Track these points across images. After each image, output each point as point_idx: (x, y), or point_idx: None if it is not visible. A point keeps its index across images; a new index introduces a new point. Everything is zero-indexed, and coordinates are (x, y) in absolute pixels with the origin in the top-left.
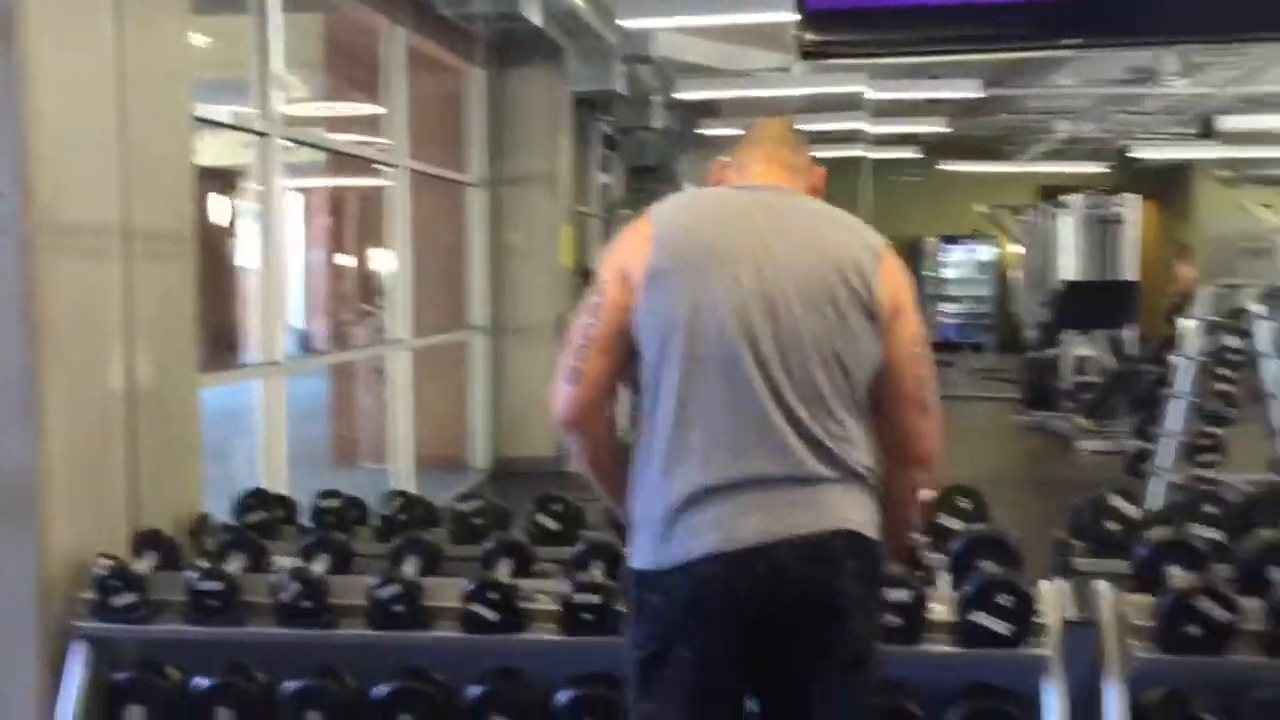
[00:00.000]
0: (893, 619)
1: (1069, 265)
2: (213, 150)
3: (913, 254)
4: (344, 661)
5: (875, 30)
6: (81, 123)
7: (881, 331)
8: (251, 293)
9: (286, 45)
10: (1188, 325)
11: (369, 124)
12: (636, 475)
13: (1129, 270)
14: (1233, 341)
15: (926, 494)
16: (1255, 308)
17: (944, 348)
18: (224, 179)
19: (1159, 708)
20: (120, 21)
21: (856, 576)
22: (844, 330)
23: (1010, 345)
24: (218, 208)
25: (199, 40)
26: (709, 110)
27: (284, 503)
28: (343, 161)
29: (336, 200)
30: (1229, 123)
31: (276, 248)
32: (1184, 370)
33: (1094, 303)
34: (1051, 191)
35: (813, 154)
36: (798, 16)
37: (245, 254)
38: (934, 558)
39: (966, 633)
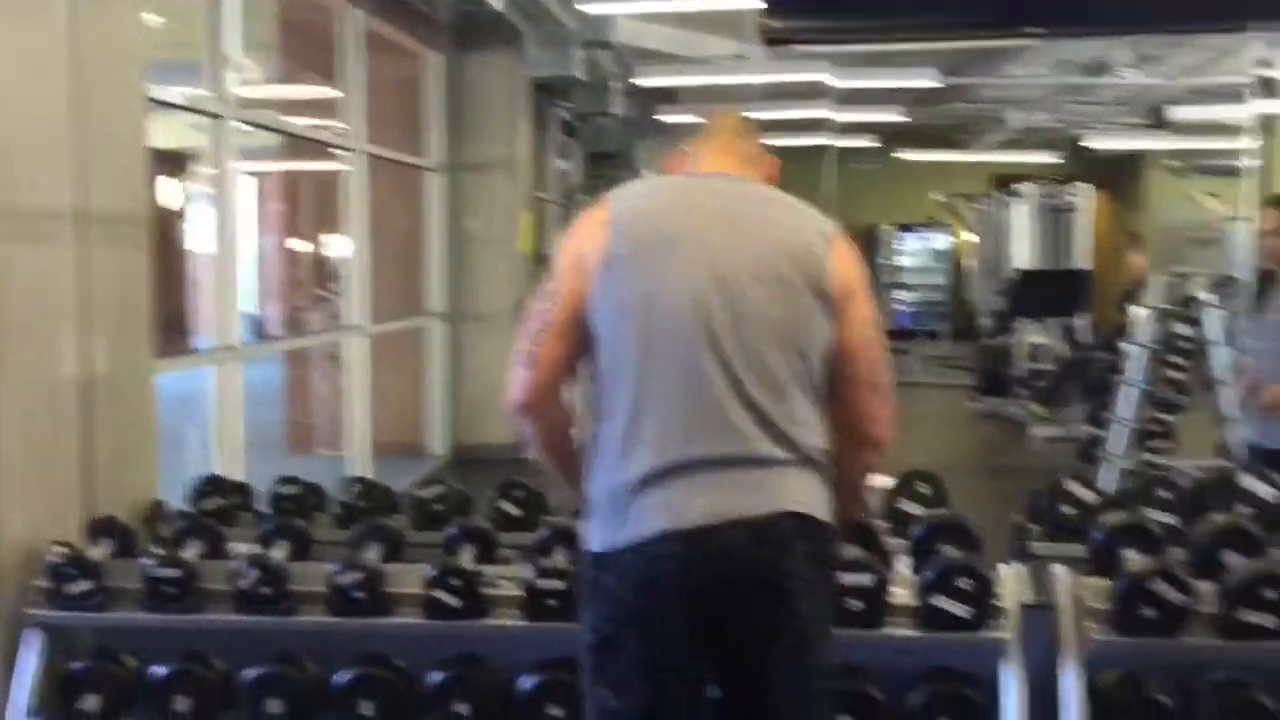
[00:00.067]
0: (854, 603)
1: (1023, 254)
2: (162, 133)
3: (869, 242)
4: (304, 649)
5: (839, 17)
6: (34, 104)
7: (834, 314)
8: (203, 278)
9: (241, 26)
10: (1139, 313)
11: (325, 107)
12: (593, 459)
13: (1081, 259)
14: (1183, 329)
15: (886, 481)
16: (1205, 296)
17: (899, 335)
18: (173, 162)
19: (1115, 689)
20: (74, 1)
21: (806, 559)
22: (798, 313)
23: (965, 333)
24: (168, 191)
25: (151, 20)
26: (668, 97)
27: (241, 489)
28: (298, 145)
29: (292, 184)
30: (1179, 113)
31: (230, 232)
32: (1135, 358)
33: (1047, 291)
34: (1006, 180)
35: (774, 143)
36: (761, 4)
37: (195, 238)
38: (894, 542)
39: (927, 616)
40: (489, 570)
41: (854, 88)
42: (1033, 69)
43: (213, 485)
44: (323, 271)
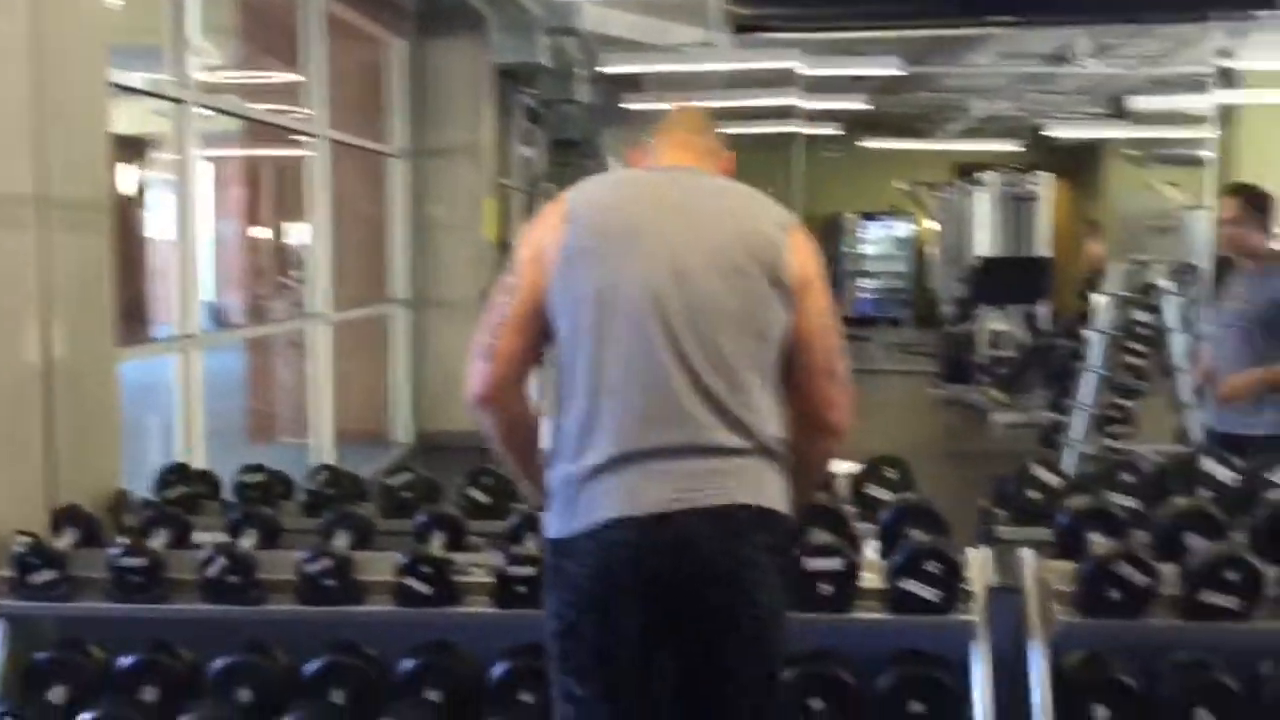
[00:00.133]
0: (824, 587)
1: (984, 241)
2: (121, 118)
3: (832, 230)
4: (273, 637)
5: (807, 4)
6: None
7: (791, 304)
8: (161, 265)
9: (202, 10)
10: (1099, 301)
11: (288, 93)
12: (553, 448)
13: (1042, 246)
14: (1142, 316)
15: (849, 467)
16: (1164, 284)
17: (862, 323)
18: (132, 148)
19: (1080, 670)
20: None
21: (763, 549)
22: (755, 302)
23: (927, 320)
24: (126, 177)
25: (113, 4)
26: (633, 85)
27: (206, 478)
28: (260, 131)
29: (253, 171)
30: (1139, 103)
31: (191, 219)
32: (1096, 344)
33: (1008, 278)
34: (967, 169)
35: (738, 131)
36: None
37: (154, 225)
38: (863, 527)
39: (896, 600)
40: (459, 558)
41: (818, 75)
42: (994, 58)
43: (177, 474)
44: (285, 258)
